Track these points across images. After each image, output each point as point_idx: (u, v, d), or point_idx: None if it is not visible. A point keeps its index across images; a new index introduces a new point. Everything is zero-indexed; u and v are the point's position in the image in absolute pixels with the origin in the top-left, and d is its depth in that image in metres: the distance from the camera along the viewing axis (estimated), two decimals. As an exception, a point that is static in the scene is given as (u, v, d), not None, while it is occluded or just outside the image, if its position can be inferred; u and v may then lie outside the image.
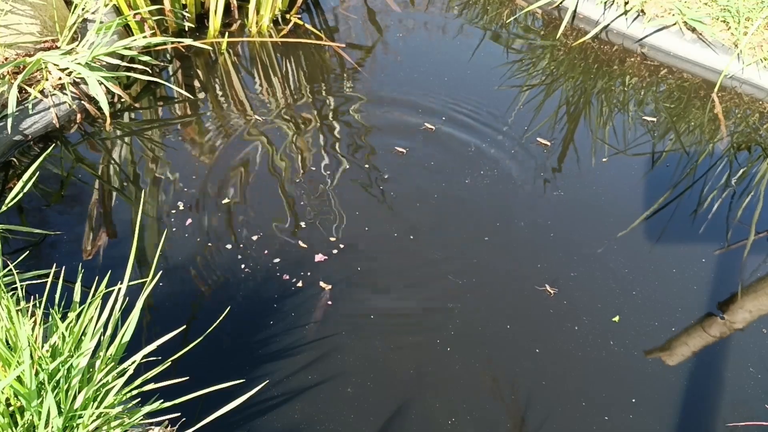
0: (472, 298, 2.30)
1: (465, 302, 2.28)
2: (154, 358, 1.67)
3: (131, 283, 1.73)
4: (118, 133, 2.91)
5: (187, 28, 3.49)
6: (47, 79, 2.82)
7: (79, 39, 3.04)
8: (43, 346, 1.64)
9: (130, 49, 3.00)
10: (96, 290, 1.72)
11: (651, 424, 1.99)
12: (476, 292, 2.32)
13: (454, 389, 2.04)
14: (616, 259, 2.46)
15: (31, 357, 1.53)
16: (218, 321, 2.04)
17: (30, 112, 2.77)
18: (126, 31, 3.29)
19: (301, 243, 2.44)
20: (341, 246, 2.44)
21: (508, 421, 1.97)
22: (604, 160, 2.86)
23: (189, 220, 2.50)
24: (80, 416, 1.53)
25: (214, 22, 3.41)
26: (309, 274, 2.34)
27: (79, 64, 2.79)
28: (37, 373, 1.51)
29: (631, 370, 2.12)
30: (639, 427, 1.98)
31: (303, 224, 2.52)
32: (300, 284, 2.30)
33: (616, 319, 2.26)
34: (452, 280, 2.34)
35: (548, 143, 2.94)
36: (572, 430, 1.96)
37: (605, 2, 3.65)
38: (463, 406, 2.00)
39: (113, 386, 1.60)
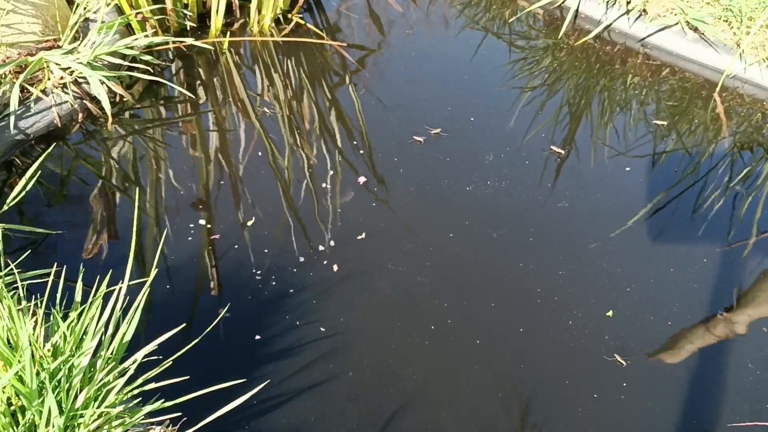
0: (470, 288, 2.30)
1: (463, 294, 2.28)
2: (155, 358, 1.67)
3: (132, 282, 1.73)
4: (120, 132, 2.91)
5: (188, 28, 3.49)
6: (49, 79, 2.82)
7: (80, 38, 3.05)
8: (44, 346, 1.64)
9: (131, 48, 3.00)
10: (97, 290, 1.72)
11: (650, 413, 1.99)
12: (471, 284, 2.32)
13: (456, 386, 2.04)
14: (615, 258, 2.46)
15: (32, 356, 1.53)
16: (218, 319, 2.04)
17: (32, 111, 2.78)
18: (128, 30, 3.29)
19: (302, 241, 2.44)
20: (341, 246, 2.44)
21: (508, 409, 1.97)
22: (627, 169, 2.85)
23: (189, 219, 2.50)
24: (81, 416, 1.53)
25: (216, 21, 3.41)
26: (310, 273, 2.34)
27: (80, 63, 2.79)
28: (38, 373, 1.51)
29: (630, 363, 2.12)
30: (635, 414, 1.99)
31: (303, 223, 2.52)
32: (300, 283, 2.30)
33: (610, 313, 2.26)
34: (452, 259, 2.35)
35: (561, 151, 2.91)
36: (564, 414, 1.96)
37: (607, 2, 3.65)
38: (468, 409, 2.00)
39: (114, 386, 1.60)
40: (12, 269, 1.91)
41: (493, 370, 2.09)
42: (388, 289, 2.31)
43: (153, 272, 1.73)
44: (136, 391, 1.64)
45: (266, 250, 2.40)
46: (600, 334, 2.21)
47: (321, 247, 2.43)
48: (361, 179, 2.57)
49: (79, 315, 1.69)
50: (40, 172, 2.47)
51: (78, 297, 1.74)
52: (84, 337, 1.65)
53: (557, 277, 2.38)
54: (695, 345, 2.20)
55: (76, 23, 3.02)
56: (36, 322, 1.76)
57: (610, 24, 3.66)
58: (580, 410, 2.01)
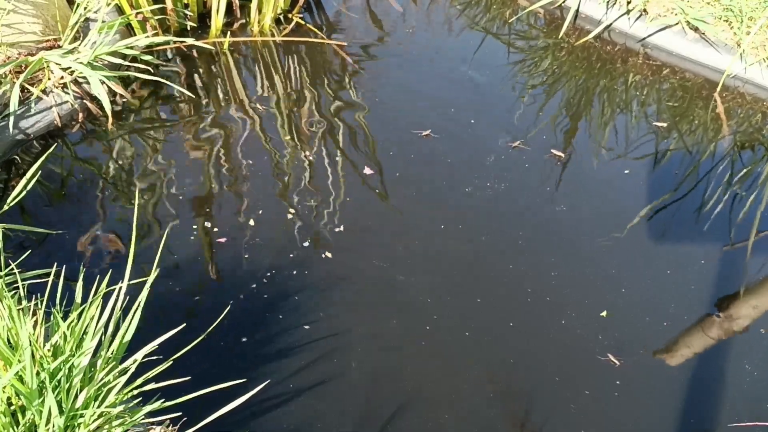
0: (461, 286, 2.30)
1: (458, 295, 2.28)
2: (155, 358, 1.67)
3: (132, 282, 1.73)
4: (120, 132, 2.91)
5: (189, 28, 3.49)
6: (49, 78, 2.82)
7: (81, 38, 3.05)
8: (44, 346, 1.64)
9: (132, 48, 3.00)
10: (97, 289, 1.72)
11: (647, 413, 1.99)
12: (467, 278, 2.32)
13: (455, 388, 2.04)
14: (613, 259, 2.45)
15: (33, 356, 1.53)
16: (219, 320, 2.04)
17: (32, 111, 2.78)
18: (128, 30, 3.29)
19: (302, 242, 2.44)
20: (342, 247, 2.44)
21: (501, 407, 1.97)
22: (626, 171, 2.84)
23: (189, 219, 2.50)
24: (81, 415, 1.53)
25: (216, 21, 3.41)
26: (310, 270, 2.34)
27: (81, 63, 2.79)
28: (38, 373, 1.51)
29: (629, 363, 2.12)
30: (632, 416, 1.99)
31: (305, 223, 2.52)
32: (301, 284, 2.30)
33: (604, 314, 2.26)
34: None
35: (561, 154, 2.90)
36: (557, 412, 1.96)
37: (607, 2, 3.65)
38: (466, 408, 2.00)
39: (114, 385, 1.60)
40: (12, 269, 1.91)
41: (488, 369, 2.09)
42: (390, 291, 2.31)
43: (153, 272, 1.73)
44: (136, 391, 1.64)
45: (267, 250, 2.40)
46: (595, 334, 2.21)
47: (322, 250, 2.43)
48: (367, 170, 2.57)
49: (79, 315, 1.69)
50: (40, 171, 2.47)
51: (78, 297, 1.75)
52: (84, 336, 1.65)
53: (554, 278, 2.38)
54: (691, 345, 2.20)
55: (76, 23, 3.02)
56: (36, 321, 1.76)
57: (611, 24, 3.66)
58: (573, 406, 2.01)
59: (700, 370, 2.14)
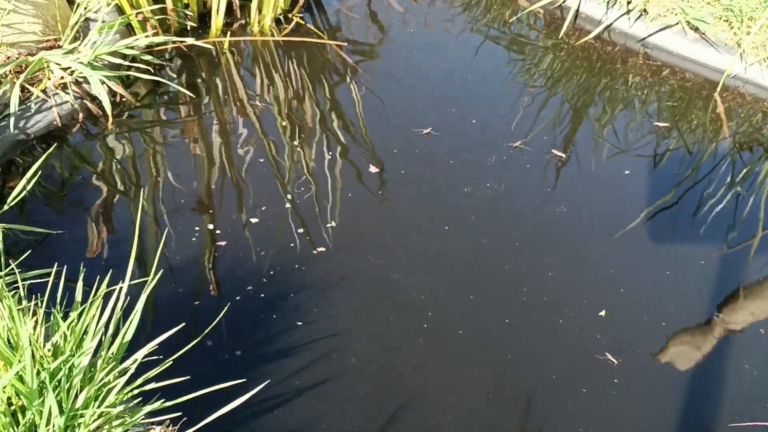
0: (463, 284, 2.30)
1: (459, 294, 2.28)
2: (155, 358, 1.67)
3: (132, 282, 1.73)
4: (120, 132, 2.91)
5: (189, 28, 3.49)
6: (49, 79, 2.82)
7: (81, 38, 3.05)
8: (44, 346, 1.65)
9: (132, 48, 3.00)
10: (97, 289, 1.72)
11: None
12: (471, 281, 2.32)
13: (455, 387, 2.04)
14: (613, 259, 2.46)
15: (33, 356, 1.53)
16: (218, 318, 2.04)
17: (32, 111, 2.78)
18: (128, 30, 3.29)
19: (302, 242, 2.45)
20: (342, 247, 2.44)
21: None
22: (627, 172, 2.84)
23: (189, 218, 2.50)
24: (81, 415, 1.53)
25: (216, 21, 3.41)
26: (310, 270, 2.34)
27: (81, 63, 2.79)
28: (38, 373, 1.51)
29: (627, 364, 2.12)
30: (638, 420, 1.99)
31: (304, 222, 2.52)
32: (300, 282, 2.30)
33: (603, 313, 2.26)
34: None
35: (563, 155, 2.90)
36: (554, 412, 1.97)
37: (608, 2, 3.65)
38: (467, 415, 2.00)
39: (114, 385, 1.60)
40: (12, 269, 1.91)
41: (487, 369, 2.09)
42: (390, 290, 2.31)
43: (153, 272, 1.73)
44: (136, 391, 1.64)
45: (267, 250, 2.40)
46: (594, 333, 2.21)
47: (321, 248, 2.43)
48: (372, 169, 2.56)
49: (80, 315, 1.69)
50: (40, 172, 2.47)
51: (78, 297, 1.75)
52: (84, 336, 1.65)
53: (553, 277, 2.38)
54: (690, 345, 2.20)
55: (76, 23, 3.02)
56: (36, 321, 1.76)
57: (611, 24, 3.66)
58: (571, 405, 2.01)
59: (700, 369, 2.14)
